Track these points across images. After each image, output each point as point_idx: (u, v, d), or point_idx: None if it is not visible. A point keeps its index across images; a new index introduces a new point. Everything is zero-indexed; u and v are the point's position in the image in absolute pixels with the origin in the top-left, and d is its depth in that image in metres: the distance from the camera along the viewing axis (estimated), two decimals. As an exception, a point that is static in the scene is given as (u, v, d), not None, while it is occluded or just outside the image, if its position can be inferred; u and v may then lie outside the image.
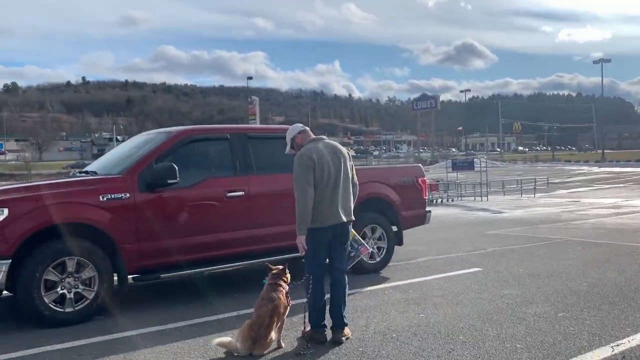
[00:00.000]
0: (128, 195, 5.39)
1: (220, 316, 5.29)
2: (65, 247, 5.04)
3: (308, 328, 4.55)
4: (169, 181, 5.43)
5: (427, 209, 7.88)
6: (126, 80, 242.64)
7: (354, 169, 4.80)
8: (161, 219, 5.56)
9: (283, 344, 4.34)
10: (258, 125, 6.88)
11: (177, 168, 5.42)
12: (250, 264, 6.11)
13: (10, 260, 4.83)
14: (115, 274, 5.43)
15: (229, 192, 5.96)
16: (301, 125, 4.89)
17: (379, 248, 7.23)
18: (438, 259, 8.17)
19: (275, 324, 4.16)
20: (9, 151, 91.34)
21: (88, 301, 5.17)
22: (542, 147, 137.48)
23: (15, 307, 5.17)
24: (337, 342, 4.42)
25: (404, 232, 7.61)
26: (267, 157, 6.42)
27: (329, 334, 4.50)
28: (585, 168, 51.82)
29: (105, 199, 5.28)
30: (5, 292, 5.33)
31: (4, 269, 4.82)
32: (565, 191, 27.08)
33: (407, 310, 5.33)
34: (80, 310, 5.13)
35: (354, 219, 4.71)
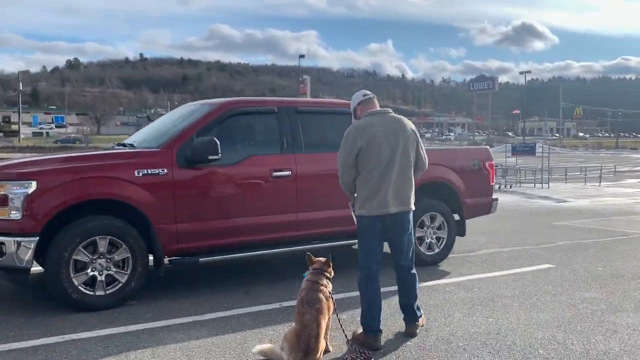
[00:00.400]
0: (166, 171, 4.91)
1: (262, 307, 4.78)
2: (97, 225, 4.63)
3: (360, 331, 3.98)
4: (210, 157, 4.92)
5: (494, 196, 7.11)
6: (182, 58, 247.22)
7: (421, 149, 4.15)
8: (201, 198, 5.08)
9: (331, 348, 3.77)
10: (308, 99, 6.29)
11: (218, 143, 4.89)
12: (297, 250, 5.56)
13: (38, 238, 4.45)
14: (150, 256, 5.01)
15: (275, 171, 5.40)
16: (363, 93, 4.21)
17: (438, 238, 6.54)
18: (502, 252, 7.41)
19: (324, 330, 3.58)
20: (70, 124, 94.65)
21: (120, 285, 4.76)
22: (605, 133, 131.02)
23: (45, 288, 4.81)
24: (411, 335, 4.09)
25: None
26: (318, 134, 5.83)
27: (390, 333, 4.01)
28: (654, 157, 48.88)
29: (141, 174, 4.81)
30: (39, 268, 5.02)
31: (31, 247, 4.45)
32: (634, 180, 25.35)
33: (473, 312, 4.66)
34: (112, 294, 4.72)
35: (413, 208, 4.06)
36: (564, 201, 15.52)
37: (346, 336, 3.82)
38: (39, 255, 4.71)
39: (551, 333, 4.12)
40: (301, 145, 5.61)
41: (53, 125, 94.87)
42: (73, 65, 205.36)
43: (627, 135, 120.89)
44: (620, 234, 9.05)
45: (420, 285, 5.46)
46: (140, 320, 4.40)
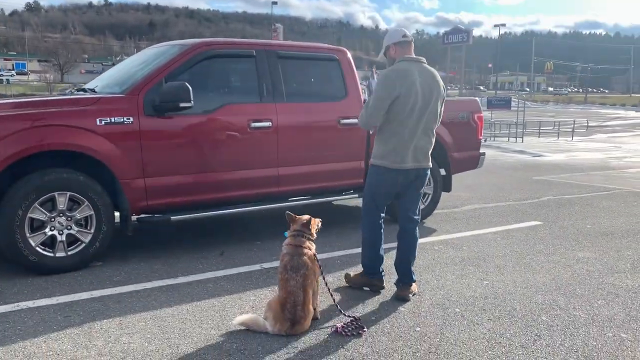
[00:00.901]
0: (131, 119, 4.40)
1: (241, 269, 4.41)
2: (55, 179, 4.13)
3: (352, 274, 4.00)
4: (181, 105, 4.41)
5: (481, 150, 6.81)
6: (148, 3, 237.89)
7: (442, 111, 3.90)
8: (171, 150, 4.60)
9: (318, 315, 3.44)
10: (291, 42, 5.74)
11: (190, 89, 4.39)
12: (277, 207, 5.18)
13: (-14, 194, 3.95)
14: (117, 214, 4.57)
15: (254, 121, 4.94)
16: (403, 33, 3.86)
17: (423, 194, 6.21)
18: (487, 208, 7.18)
19: (311, 297, 3.24)
20: (32, 71, 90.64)
21: (84, 245, 4.32)
22: (573, 88, 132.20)
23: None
24: (403, 299, 3.81)
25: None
26: (302, 82, 5.35)
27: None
28: (622, 112, 49.51)
29: (103, 122, 4.29)
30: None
31: (-21, 203, 3.95)
32: (604, 135, 25.60)
33: (466, 274, 4.39)
34: (74, 256, 4.28)
35: (431, 165, 3.86)
36: (540, 155, 15.46)
37: (334, 301, 3.50)
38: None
39: (551, 297, 3.88)
40: (282, 94, 5.13)
41: (14, 72, 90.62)
42: (33, 8, 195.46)
43: (594, 90, 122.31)
44: (601, 189, 8.93)
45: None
46: (107, 285, 4.00)
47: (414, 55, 3.80)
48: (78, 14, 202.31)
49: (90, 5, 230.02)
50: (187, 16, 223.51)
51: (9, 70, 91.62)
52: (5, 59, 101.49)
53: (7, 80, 71.66)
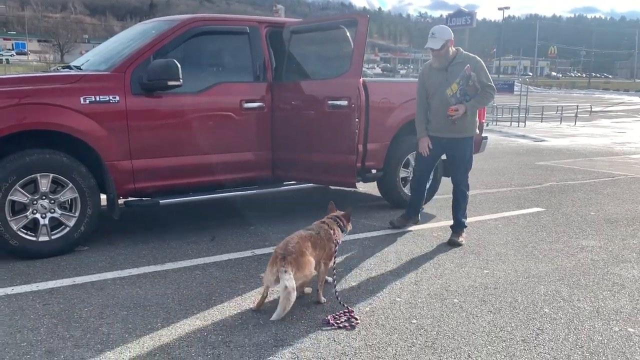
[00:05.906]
0: (117, 98, 4.20)
1: (231, 256, 4.24)
2: (37, 160, 3.95)
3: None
4: (169, 83, 4.21)
5: (484, 134, 6.60)
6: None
7: None
8: (160, 131, 4.41)
9: (323, 299, 3.33)
10: (286, 19, 5.52)
11: (179, 66, 4.18)
12: (271, 192, 4.99)
13: (-36, 175, 3.77)
14: (103, 197, 4.39)
15: (247, 102, 4.74)
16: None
17: (423, 178, 6.02)
18: (488, 194, 6.99)
19: (309, 247, 3.18)
20: (32, 52, 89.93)
21: (68, 229, 4.15)
22: (577, 73, 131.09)
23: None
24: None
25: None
26: (297, 59, 5.12)
27: None
28: (626, 97, 49.09)
29: (87, 101, 4.09)
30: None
31: (-43, 185, 3.77)
32: (608, 121, 25.31)
33: (466, 262, 4.22)
34: (59, 240, 4.12)
35: None
36: (542, 140, 15.24)
37: (334, 287, 3.36)
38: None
39: (554, 288, 3.70)
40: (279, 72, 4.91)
41: (14, 52, 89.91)
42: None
43: (598, 75, 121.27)
44: (605, 175, 8.74)
45: (404, 230, 5.05)
46: (90, 271, 3.83)
47: None
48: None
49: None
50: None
51: (9, 50, 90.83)
52: (4, 39, 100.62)
53: (7, 60, 71.02)
